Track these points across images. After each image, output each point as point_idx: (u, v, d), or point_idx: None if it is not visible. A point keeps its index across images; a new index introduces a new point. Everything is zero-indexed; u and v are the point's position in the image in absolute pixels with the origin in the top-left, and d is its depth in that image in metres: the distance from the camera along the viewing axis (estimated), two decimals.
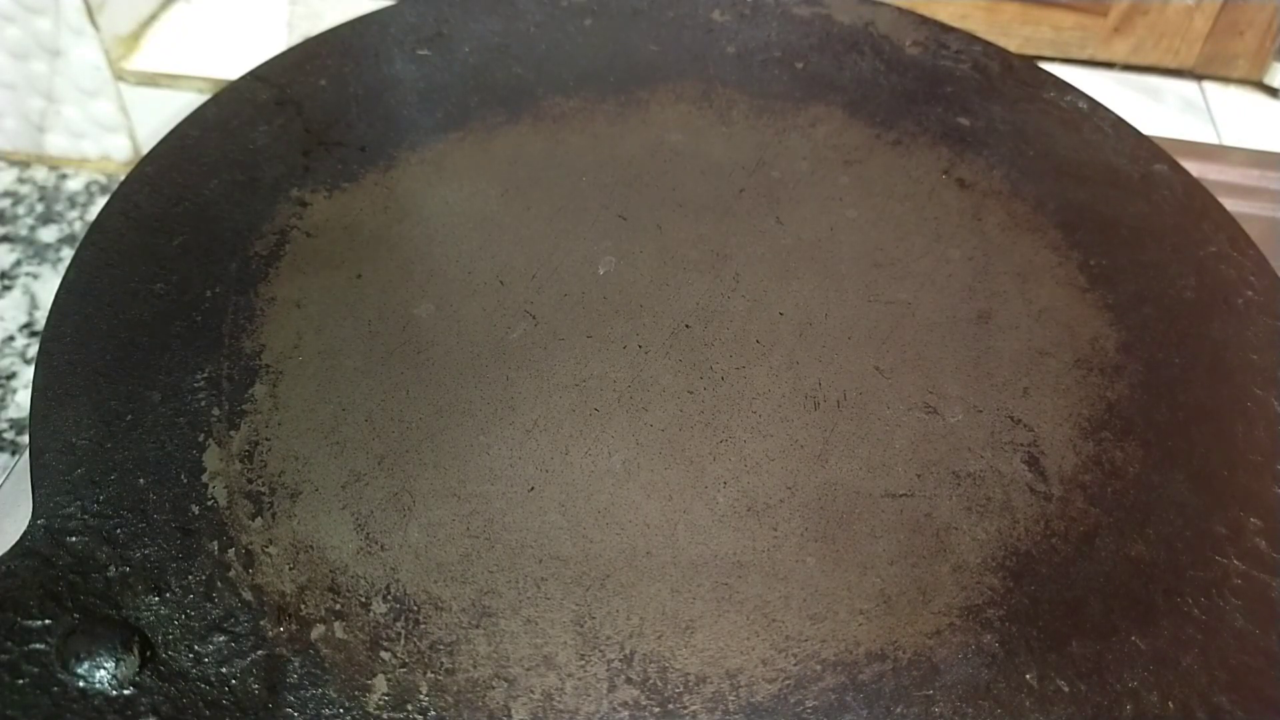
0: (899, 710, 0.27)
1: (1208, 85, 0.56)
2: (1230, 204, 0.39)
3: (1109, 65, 0.56)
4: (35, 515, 0.29)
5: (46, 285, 0.45)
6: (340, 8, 0.45)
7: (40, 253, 0.47)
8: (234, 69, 0.43)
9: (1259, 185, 0.47)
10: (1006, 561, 0.30)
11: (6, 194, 0.49)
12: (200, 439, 0.32)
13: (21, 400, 0.42)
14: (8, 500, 0.39)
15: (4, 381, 0.42)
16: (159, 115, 0.40)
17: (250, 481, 0.31)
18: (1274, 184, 0.47)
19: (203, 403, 0.33)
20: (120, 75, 0.48)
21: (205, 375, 0.34)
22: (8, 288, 0.45)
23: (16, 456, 0.41)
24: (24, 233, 0.48)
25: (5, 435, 0.42)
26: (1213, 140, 0.51)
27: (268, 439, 0.32)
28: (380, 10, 0.47)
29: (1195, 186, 0.40)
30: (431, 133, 0.43)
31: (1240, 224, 0.38)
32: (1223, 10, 0.55)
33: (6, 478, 0.39)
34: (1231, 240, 0.38)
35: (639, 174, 0.42)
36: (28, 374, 0.42)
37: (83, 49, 0.47)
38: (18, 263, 0.46)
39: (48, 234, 0.47)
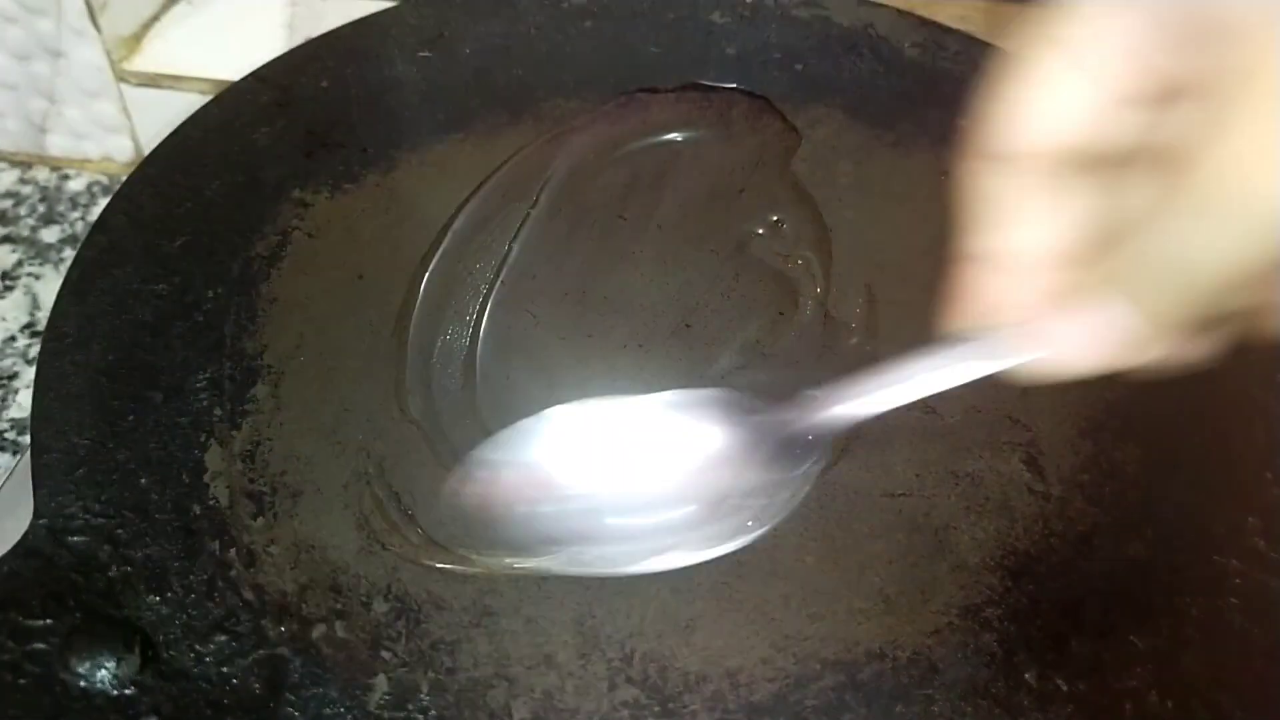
0: (898, 709, 0.27)
1: None
2: None
3: None
4: (37, 515, 0.29)
5: (48, 286, 0.45)
6: (341, 9, 0.45)
7: (42, 253, 0.47)
8: (235, 70, 0.43)
9: None
10: (1005, 561, 0.30)
11: (8, 195, 0.49)
12: (202, 439, 0.32)
13: (23, 400, 0.42)
14: (9, 500, 0.39)
15: (5, 382, 0.42)
16: (161, 116, 0.40)
17: (252, 481, 0.31)
18: None
19: (204, 403, 0.33)
20: (122, 76, 0.48)
21: (207, 375, 0.34)
22: (9, 288, 0.45)
23: (18, 456, 0.41)
24: (26, 233, 0.48)
25: (7, 435, 0.42)
26: None
27: (269, 439, 0.32)
28: (381, 12, 0.47)
29: None
30: (433, 134, 0.43)
31: None
32: None
33: (8, 478, 0.39)
34: None
35: (639, 175, 0.42)
36: (29, 374, 0.42)
37: (84, 50, 0.47)
38: (19, 263, 0.46)
39: (49, 234, 0.48)
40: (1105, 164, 0.20)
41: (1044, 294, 0.21)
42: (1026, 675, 0.28)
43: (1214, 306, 0.19)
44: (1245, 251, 0.18)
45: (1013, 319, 0.22)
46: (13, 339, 0.43)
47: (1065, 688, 0.27)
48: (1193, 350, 0.21)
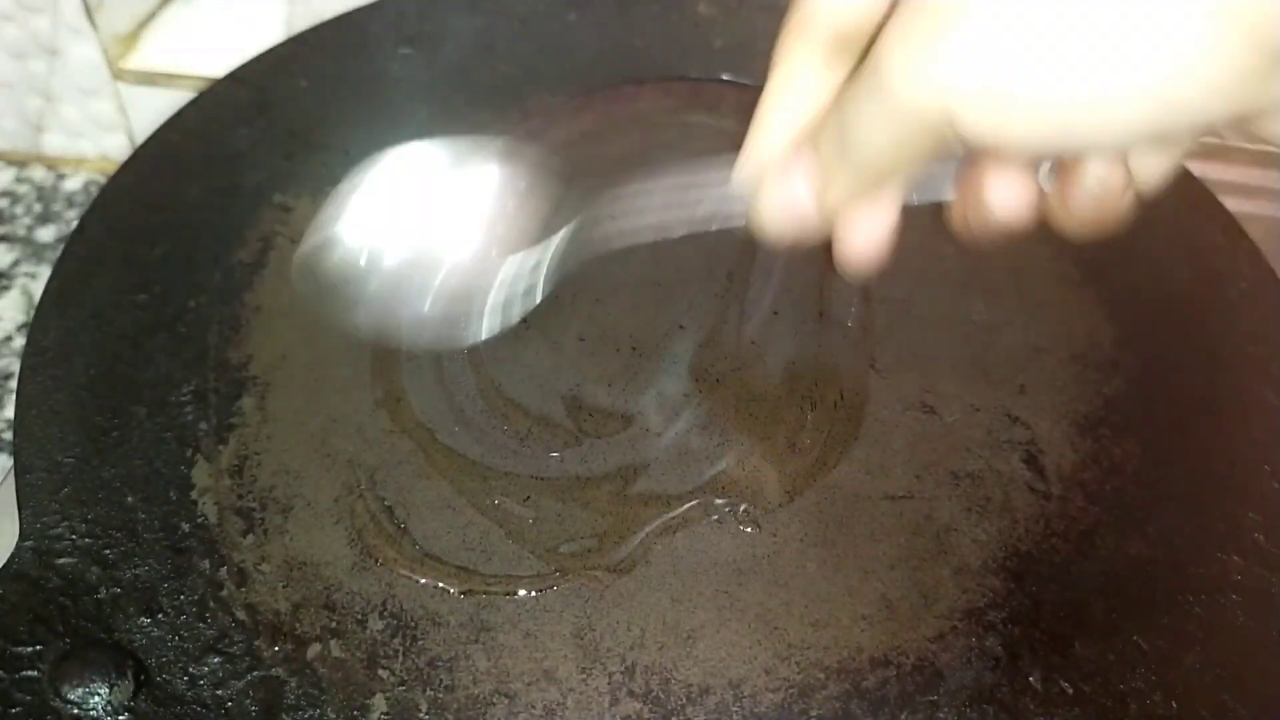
0: (904, 717, 0.27)
1: None
2: (1231, 203, 0.38)
3: None
4: (22, 537, 0.29)
5: (44, 286, 0.45)
6: (339, 7, 0.44)
7: (38, 253, 0.46)
8: (232, 68, 0.42)
9: (1260, 184, 0.46)
10: (1007, 563, 0.30)
11: (4, 194, 0.49)
12: (188, 454, 0.31)
13: None
14: (6, 502, 0.38)
15: (2, 382, 0.41)
16: (157, 114, 0.39)
17: (240, 497, 0.31)
18: (1275, 183, 0.47)
19: (190, 417, 0.32)
20: (118, 74, 0.48)
21: (191, 388, 0.33)
22: (6, 288, 0.44)
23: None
24: (22, 232, 0.47)
25: (4, 436, 0.41)
26: (1214, 140, 0.50)
27: (257, 453, 0.32)
28: (360, 8, 0.46)
29: (1188, 178, 0.39)
30: (417, 133, 0.42)
31: (1239, 221, 0.38)
32: None
33: (5, 478, 0.39)
34: (1225, 232, 0.38)
35: (629, 171, 0.41)
36: None
37: (81, 48, 0.46)
38: (15, 262, 0.45)
39: (45, 234, 0.47)
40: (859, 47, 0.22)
41: (784, 153, 0.24)
42: (1031, 678, 0.27)
43: (879, 176, 0.22)
44: (895, 134, 0.20)
45: (756, 170, 0.25)
46: (9, 339, 0.42)
47: (1070, 690, 0.27)
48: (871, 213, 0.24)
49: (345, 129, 0.42)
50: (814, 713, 0.27)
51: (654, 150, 0.42)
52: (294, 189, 0.39)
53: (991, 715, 0.27)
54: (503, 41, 0.46)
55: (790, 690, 0.27)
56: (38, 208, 0.48)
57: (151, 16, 0.50)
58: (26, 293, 0.44)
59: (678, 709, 0.27)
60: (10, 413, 0.40)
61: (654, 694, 0.27)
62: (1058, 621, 0.29)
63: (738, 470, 0.32)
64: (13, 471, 0.35)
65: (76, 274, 0.36)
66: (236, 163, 0.40)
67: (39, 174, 0.49)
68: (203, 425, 0.32)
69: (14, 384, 0.41)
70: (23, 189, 0.49)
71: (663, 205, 0.27)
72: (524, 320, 0.36)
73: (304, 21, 0.44)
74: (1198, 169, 0.38)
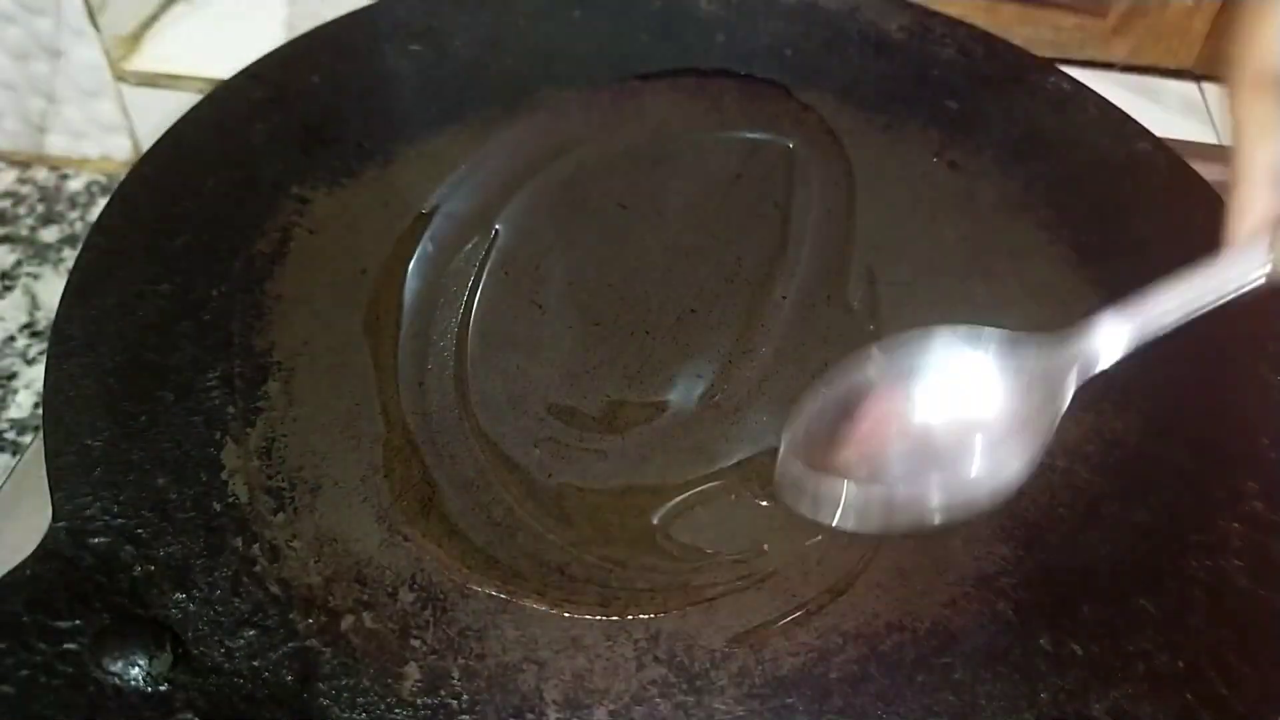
0: (920, 678, 0.28)
1: (1207, 86, 0.56)
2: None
3: (1109, 66, 0.57)
4: (55, 518, 0.29)
5: (47, 286, 0.45)
6: (339, 7, 0.45)
7: (41, 253, 0.47)
8: (234, 70, 0.43)
9: None
10: (1016, 532, 0.31)
11: (7, 194, 0.49)
12: (217, 437, 0.32)
13: (22, 400, 0.41)
14: (8, 501, 0.39)
15: (5, 382, 0.42)
16: (159, 115, 0.40)
17: (270, 477, 0.31)
18: None
19: (217, 401, 0.33)
20: (121, 75, 0.48)
21: (217, 374, 0.34)
22: (9, 288, 0.45)
23: (18, 457, 0.41)
24: (24, 233, 0.47)
25: (6, 435, 0.41)
26: (1212, 141, 0.51)
27: (284, 434, 0.32)
28: (370, 6, 0.47)
29: (1179, 163, 0.41)
30: (428, 127, 0.43)
31: None
32: (1222, 10, 0.55)
33: (8, 478, 0.39)
34: (1217, 215, 0.39)
35: (636, 163, 0.42)
36: (28, 374, 0.41)
37: (83, 49, 0.46)
38: (18, 263, 0.46)
39: (48, 234, 0.47)
40: None
41: None
42: (1041, 640, 0.28)
43: None
44: None
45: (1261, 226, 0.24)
46: (12, 339, 0.43)
47: (1080, 651, 0.28)
48: None
49: (358, 123, 0.42)
50: (833, 674, 0.28)
51: (660, 142, 0.43)
52: (310, 181, 0.40)
53: (1004, 675, 0.28)
54: (509, 37, 0.46)
55: (810, 654, 0.28)
56: (40, 208, 0.48)
57: (154, 18, 0.51)
58: (29, 293, 0.45)
59: (701, 673, 0.28)
60: (12, 412, 0.41)
61: (678, 659, 0.28)
62: (1066, 587, 0.30)
63: (752, 448, 0.33)
64: (12, 470, 0.36)
65: (99, 264, 0.36)
66: (253, 156, 0.41)
67: (42, 175, 0.50)
68: (230, 409, 0.33)
69: (16, 384, 0.41)
70: (25, 190, 0.49)
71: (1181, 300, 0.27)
72: (539, 306, 0.37)
73: (304, 23, 0.45)
74: (1197, 170, 0.40)
